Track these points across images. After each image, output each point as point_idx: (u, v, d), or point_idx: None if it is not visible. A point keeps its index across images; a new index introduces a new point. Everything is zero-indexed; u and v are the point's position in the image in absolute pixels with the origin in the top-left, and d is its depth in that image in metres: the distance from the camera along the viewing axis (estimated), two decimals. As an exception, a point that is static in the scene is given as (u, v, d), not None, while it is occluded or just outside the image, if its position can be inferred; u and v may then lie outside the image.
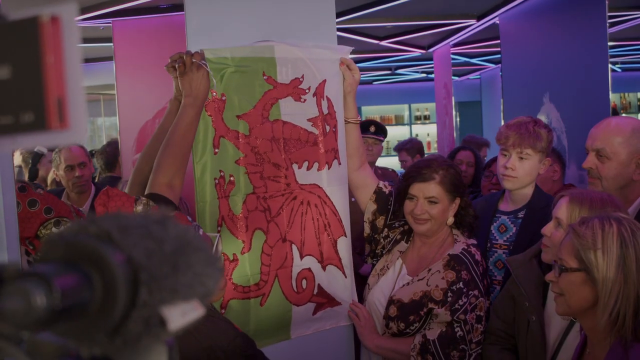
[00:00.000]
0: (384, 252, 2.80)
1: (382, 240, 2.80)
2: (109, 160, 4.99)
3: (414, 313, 2.52)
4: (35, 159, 4.40)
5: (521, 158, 2.76)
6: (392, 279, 2.68)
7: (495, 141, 2.92)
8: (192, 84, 2.37)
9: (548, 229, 2.25)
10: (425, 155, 6.08)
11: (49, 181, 5.01)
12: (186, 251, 0.62)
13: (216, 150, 2.49)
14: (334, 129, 2.78)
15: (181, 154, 2.32)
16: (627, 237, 1.71)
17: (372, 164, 4.82)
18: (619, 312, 1.68)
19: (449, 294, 2.48)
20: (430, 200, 2.59)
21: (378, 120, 10.45)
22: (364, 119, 12.55)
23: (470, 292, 2.48)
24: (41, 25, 0.55)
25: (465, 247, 2.58)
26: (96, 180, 5.19)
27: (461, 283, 2.49)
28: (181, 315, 0.59)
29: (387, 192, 2.82)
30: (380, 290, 2.68)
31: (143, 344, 0.58)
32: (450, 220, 2.64)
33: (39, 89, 0.55)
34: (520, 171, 2.76)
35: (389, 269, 2.72)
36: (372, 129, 4.77)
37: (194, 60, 2.38)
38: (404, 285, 2.61)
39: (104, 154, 5.02)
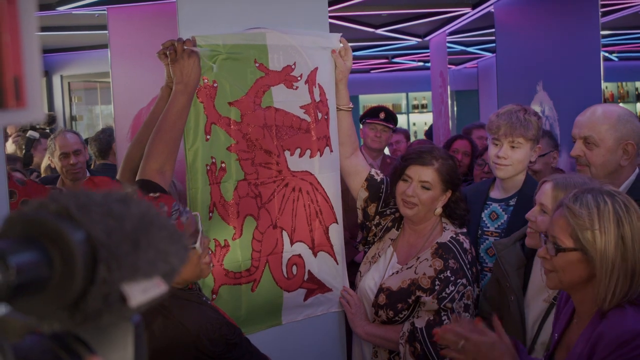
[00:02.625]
0: (375, 240, 2.81)
1: (373, 227, 2.81)
2: (102, 147, 4.97)
3: (402, 301, 2.53)
4: (28, 144, 4.39)
5: (513, 147, 2.75)
6: (383, 267, 2.69)
7: (486, 130, 2.91)
8: (183, 70, 2.37)
9: (533, 214, 2.27)
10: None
11: (42, 168, 5.00)
12: (148, 229, 0.62)
13: (207, 137, 2.49)
14: (325, 116, 2.78)
15: (172, 141, 2.33)
16: (622, 214, 1.70)
17: (380, 151, 4.69)
18: (615, 289, 1.70)
19: (437, 282, 2.49)
20: (423, 185, 2.59)
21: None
22: (361, 107, 12.54)
23: (458, 281, 2.48)
24: (-3, 4, 0.54)
25: (454, 236, 2.59)
26: (92, 168, 5.18)
27: (449, 271, 2.49)
28: (142, 292, 0.59)
29: (378, 179, 2.82)
30: (372, 278, 2.69)
31: (105, 321, 0.58)
32: (438, 211, 2.64)
33: (-5, 68, 0.53)
34: (513, 160, 2.76)
35: (380, 256, 2.73)
36: (382, 115, 4.55)
37: (185, 47, 2.38)
38: (393, 273, 2.62)
39: (98, 141, 4.99)
